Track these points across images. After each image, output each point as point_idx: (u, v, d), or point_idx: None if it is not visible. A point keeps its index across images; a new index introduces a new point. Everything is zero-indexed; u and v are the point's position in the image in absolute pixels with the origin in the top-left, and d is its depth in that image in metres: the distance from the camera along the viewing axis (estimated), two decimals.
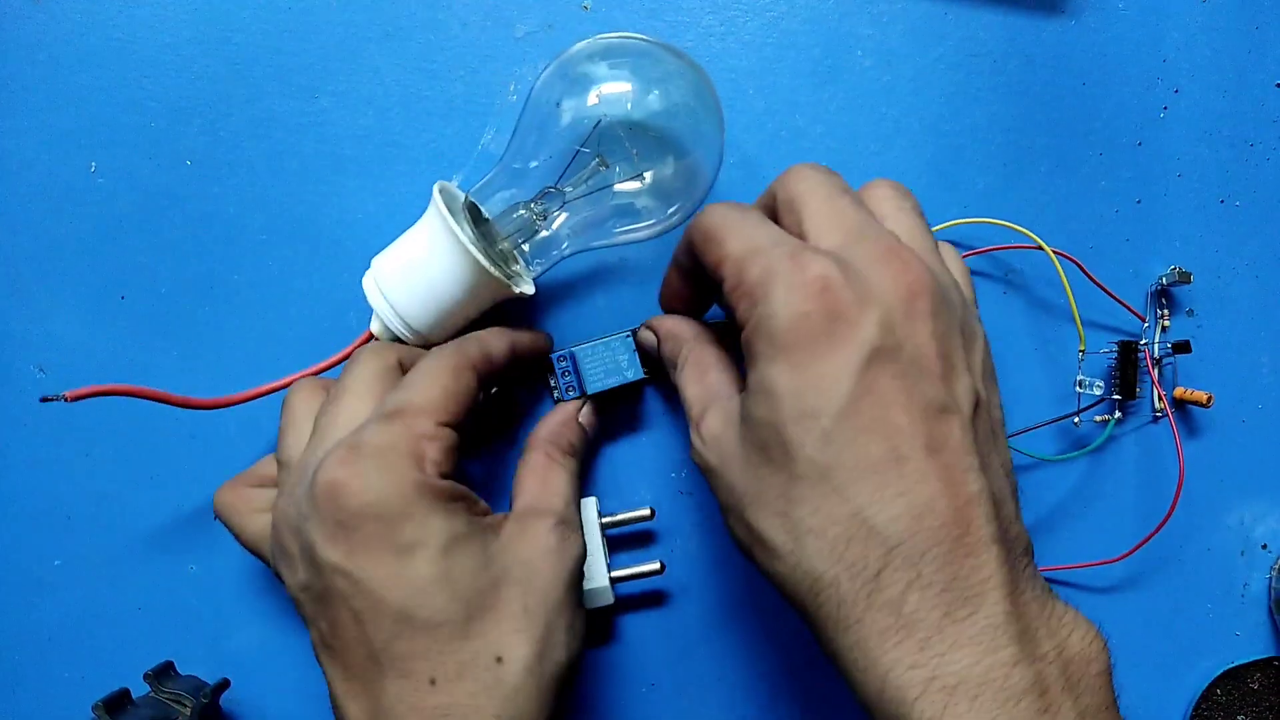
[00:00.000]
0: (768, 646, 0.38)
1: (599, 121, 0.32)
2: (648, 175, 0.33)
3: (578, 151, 0.33)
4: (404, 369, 0.32)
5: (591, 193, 0.33)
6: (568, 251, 0.35)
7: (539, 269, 0.35)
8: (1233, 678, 0.39)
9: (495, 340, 0.32)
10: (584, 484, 0.37)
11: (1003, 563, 0.23)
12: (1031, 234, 0.37)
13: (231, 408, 0.34)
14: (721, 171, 0.38)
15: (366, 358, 0.31)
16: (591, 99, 0.32)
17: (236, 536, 0.33)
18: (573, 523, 0.31)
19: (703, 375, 0.30)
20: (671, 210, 0.34)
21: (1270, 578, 0.39)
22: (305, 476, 0.28)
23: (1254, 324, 0.39)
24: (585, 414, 0.35)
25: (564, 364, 0.35)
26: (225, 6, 0.37)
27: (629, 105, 0.32)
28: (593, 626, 0.37)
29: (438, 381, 0.29)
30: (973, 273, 0.39)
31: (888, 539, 0.23)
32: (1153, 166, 0.39)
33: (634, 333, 0.35)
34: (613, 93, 0.32)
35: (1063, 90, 0.38)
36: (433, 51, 0.38)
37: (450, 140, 0.38)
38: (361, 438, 0.27)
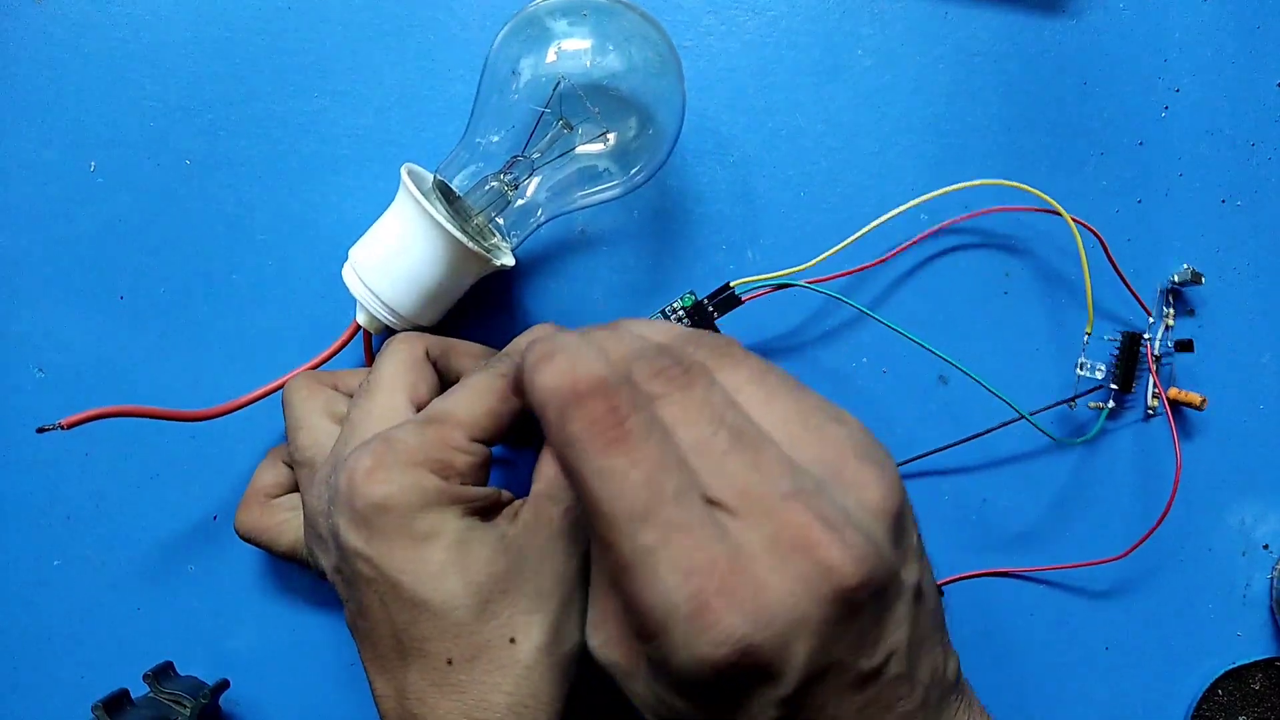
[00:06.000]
0: None
1: (559, 82, 0.32)
2: (611, 136, 0.33)
3: (541, 114, 0.32)
4: (432, 359, 0.32)
5: (558, 156, 0.33)
6: (543, 219, 0.34)
7: (516, 239, 0.35)
8: (1234, 678, 0.39)
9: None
10: None
11: None
12: (1052, 200, 0.36)
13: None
14: (720, 171, 0.38)
15: (395, 349, 0.32)
16: (550, 56, 0.32)
17: (270, 552, 0.34)
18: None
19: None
20: (635, 170, 0.34)
21: (1271, 578, 0.39)
22: (338, 466, 0.28)
23: (1255, 323, 0.39)
24: None
25: None
26: (225, 6, 0.37)
27: (588, 63, 0.32)
28: None
29: (484, 401, 0.29)
30: (990, 233, 0.39)
31: None
32: (1154, 166, 0.39)
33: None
34: (571, 49, 0.32)
35: (1063, 90, 0.38)
36: (433, 51, 0.38)
37: (450, 140, 0.38)
38: (396, 434, 0.28)
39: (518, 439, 0.38)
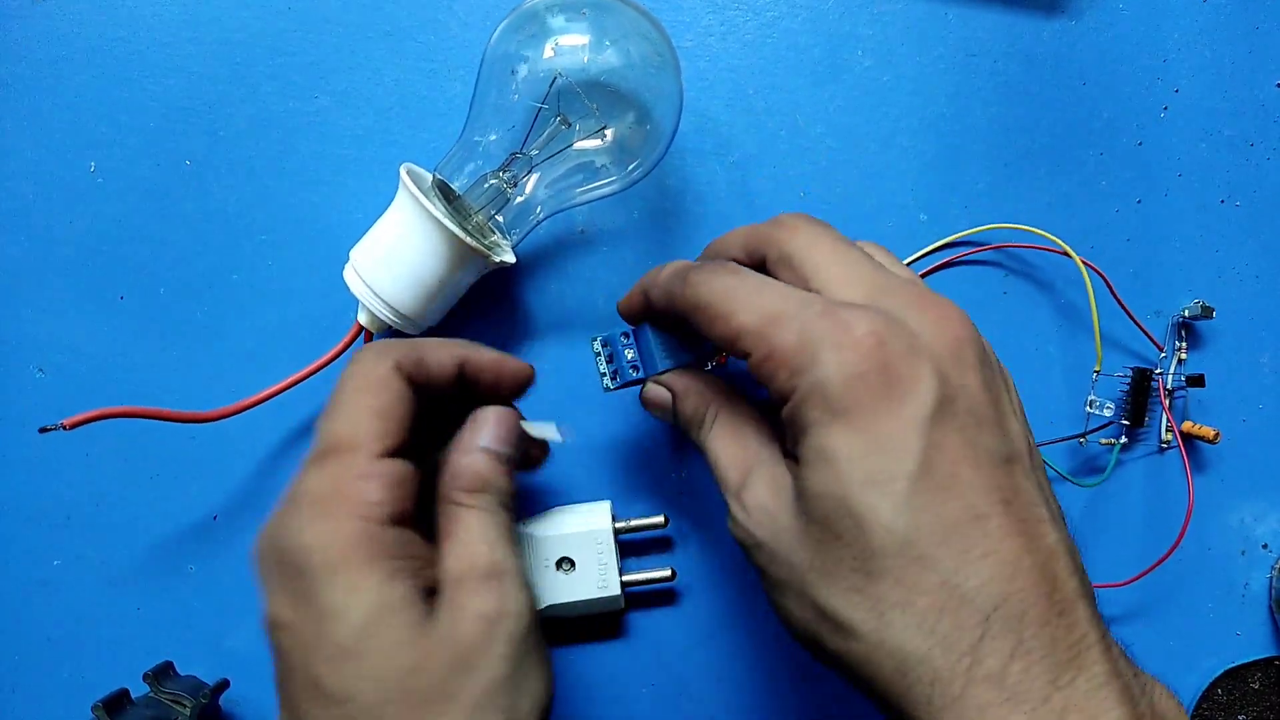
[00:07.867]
0: (770, 647, 0.38)
1: (556, 78, 0.32)
2: (609, 132, 0.33)
3: (539, 110, 0.32)
4: (404, 371, 0.27)
5: (556, 153, 0.33)
6: (543, 216, 0.35)
7: (516, 237, 0.35)
8: (1233, 677, 0.39)
9: (435, 346, 0.28)
10: (597, 483, 0.37)
11: (1093, 617, 0.22)
12: (1062, 243, 0.36)
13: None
14: (720, 171, 0.38)
15: (360, 362, 0.27)
16: (548, 52, 0.32)
17: None
18: (506, 573, 0.25)
19: (739, 437, 0.28)
20: (633, 165, 0.34)
21: (1271, 577, 0.39)
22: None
23: (1254, 323, 0.39)
24: (501, 434, 0.28)
25: (626, 341, 0.31)
26: (225, 6, 0.37)
27: (586, 59, 0.32)
28: (597, 622, 0.37)
29: (360, 402, 0.26)
30: (991, 265, 0.39)
31: (981, 605, 0.21)
32: (1153, 166, 0.39)
33: (641, 387, 0.32)
34: (569, 45, 0.32)
35: (1063, 90, 0.38)
36: (433, 51, 0.38)
37: (450, 140, 0.37)
38: (300, 487, 0.25)
39: (527, 463, 0.33)
